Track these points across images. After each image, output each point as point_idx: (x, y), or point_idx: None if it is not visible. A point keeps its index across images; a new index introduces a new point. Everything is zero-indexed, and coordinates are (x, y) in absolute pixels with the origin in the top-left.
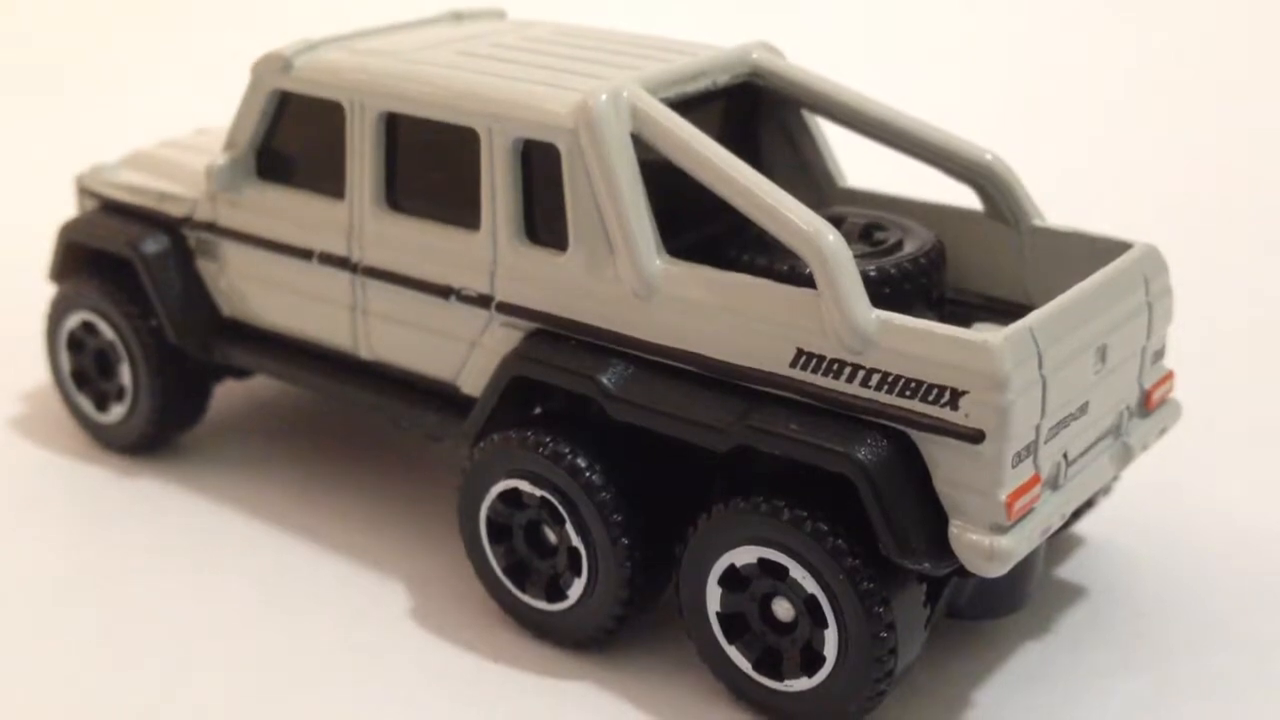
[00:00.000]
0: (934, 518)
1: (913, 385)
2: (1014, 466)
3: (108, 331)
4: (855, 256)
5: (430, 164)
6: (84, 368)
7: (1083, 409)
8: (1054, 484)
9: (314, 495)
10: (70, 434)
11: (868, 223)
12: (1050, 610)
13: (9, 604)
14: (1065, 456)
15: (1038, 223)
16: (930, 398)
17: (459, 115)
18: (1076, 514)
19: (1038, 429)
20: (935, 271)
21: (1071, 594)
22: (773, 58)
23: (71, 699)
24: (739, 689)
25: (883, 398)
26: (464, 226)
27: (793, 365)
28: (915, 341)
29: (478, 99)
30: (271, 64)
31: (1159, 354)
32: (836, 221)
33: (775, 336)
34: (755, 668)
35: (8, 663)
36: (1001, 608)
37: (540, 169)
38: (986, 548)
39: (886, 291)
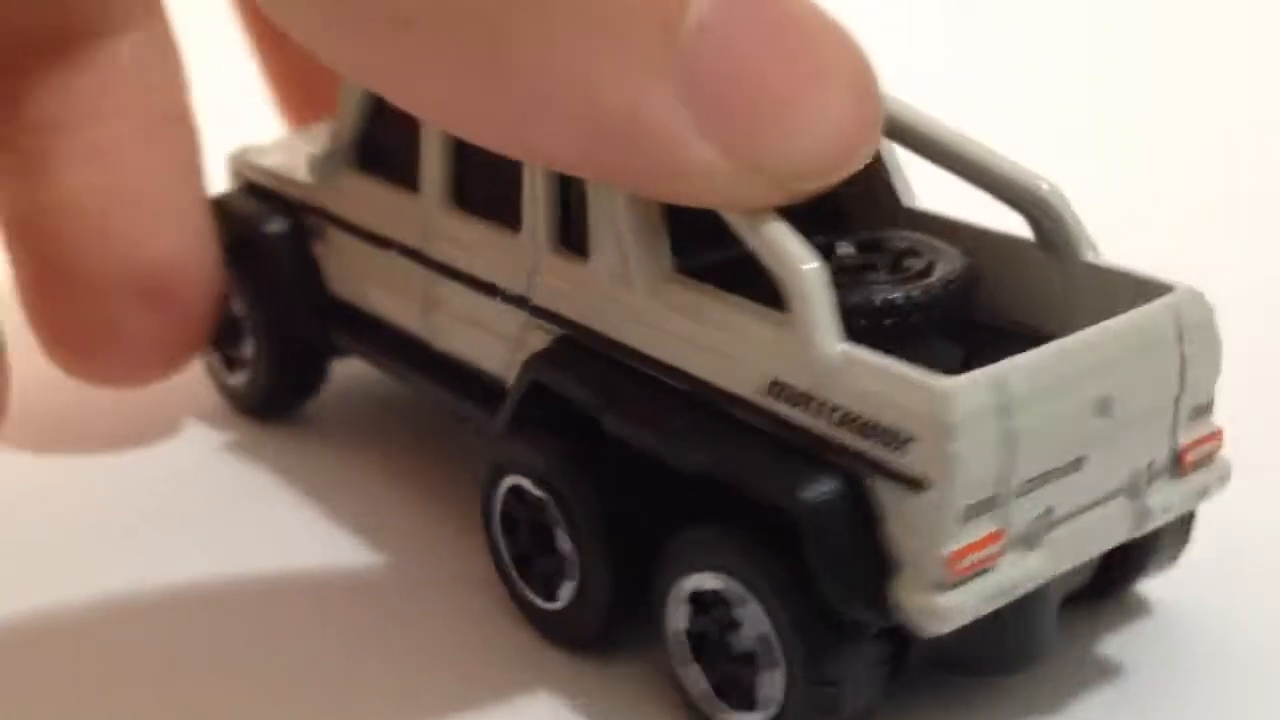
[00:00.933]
0: (883, 567)
1: (869, 425)
2: (965, 521)
3: (237, 304)
4: (869, 283)
5: (487, 166)
6: (221, 333)
7: (1076, 464)
8: (1030, 543)
9: (388, 477)
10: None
11: (906, 247)
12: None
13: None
14: (1049, 513)
15: (1089, 258)
16: (883, 440)
17: None
18: (1125, 577)
19: (1003, 483)
20: (953, 301)
21: (1102, 662)
22: None
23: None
24: (699, 710)
25: (842, 435)
26: (510, 228)
27: (767, 394)
28: (872, 379)
29: None
30: None
31: (1201, 409)
32: (873, 245)
33: (754, 362)
34: (716, 693)
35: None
36: (1001, 665)
37: (576, 177)
38: (924, 604)
39: (887, 323)
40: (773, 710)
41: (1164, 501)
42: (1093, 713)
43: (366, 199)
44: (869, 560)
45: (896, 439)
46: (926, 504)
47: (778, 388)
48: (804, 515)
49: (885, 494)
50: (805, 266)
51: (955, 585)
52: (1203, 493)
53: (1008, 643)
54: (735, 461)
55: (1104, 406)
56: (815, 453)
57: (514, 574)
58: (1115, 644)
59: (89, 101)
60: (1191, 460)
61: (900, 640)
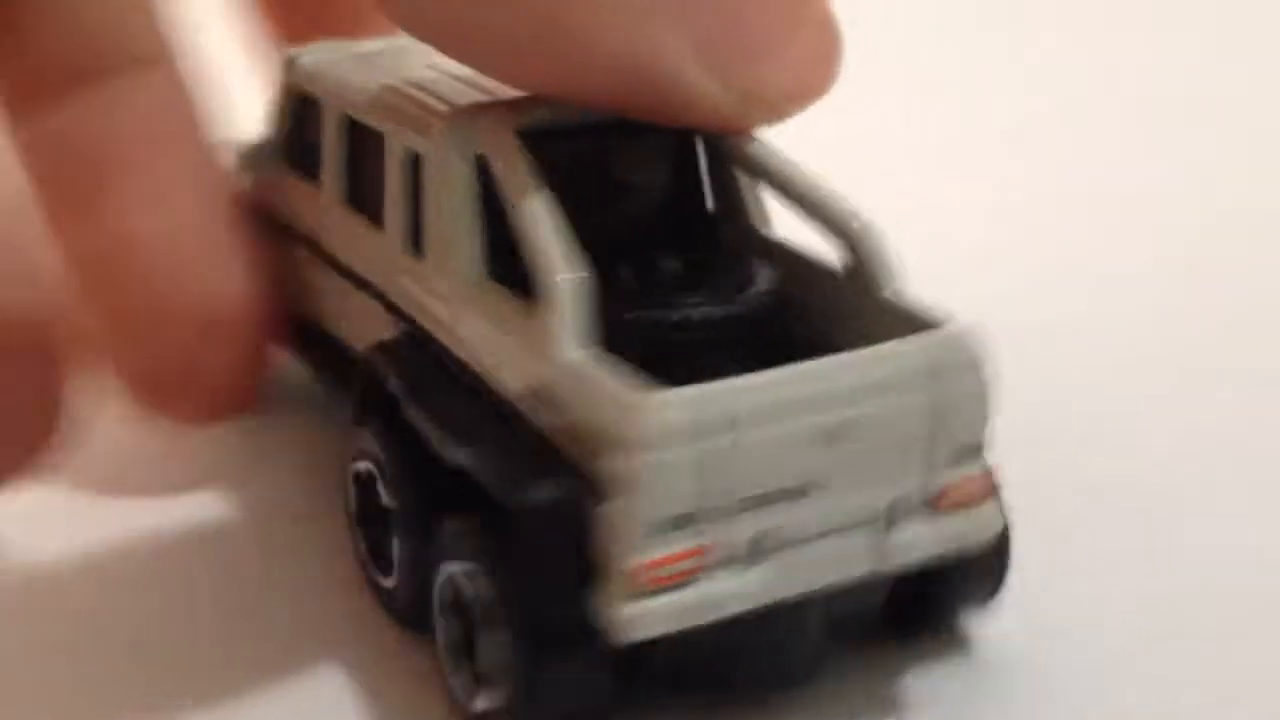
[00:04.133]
0: (587, 574)
1: (583, 431)
2: (659, 533)
3: None
4: (675, 301)
5: (367, 166)
6: None
7: (800, 491)
8: (745, 563)
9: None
10: None
11: (730, 268)
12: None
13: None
14: (765, 537)
15: (887, 293)
16: (592, 446)
17: (375, 121)
18: (931, 612)
19: (706, 499)
20: (749, 323)
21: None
22: None
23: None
24: (451, 694)
25: (568, 440)
26: (379, 227)
27: (524, 394)
28: (589, 387)
29: (385, 108)
30: (284, 61)
31: (966, 452)
32: (701, 264)
33: (519, 363)
34: (465, 681)
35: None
36: (744, 684)
37: (422, 180)
38: (615, 612)
39: (678, 338)
40: (500, 699)
41: (911, 540)
42: None
43: (288, 193)
44: (572, 565)
45: (601, 446)
46: (619, 512)
47: (530, 390)
48: (514, 516)
49: (593, 501)
50: (558, 276)
51: (646, 596)
52: (960, 536)
53: (749, 663)
54: (481, 459)
55: (832, 436)
56: (553, 455)
57: (364, 549)
58: (916, 676)
59: (136, 137)
60: (949, 503)
61: (630, 651)
